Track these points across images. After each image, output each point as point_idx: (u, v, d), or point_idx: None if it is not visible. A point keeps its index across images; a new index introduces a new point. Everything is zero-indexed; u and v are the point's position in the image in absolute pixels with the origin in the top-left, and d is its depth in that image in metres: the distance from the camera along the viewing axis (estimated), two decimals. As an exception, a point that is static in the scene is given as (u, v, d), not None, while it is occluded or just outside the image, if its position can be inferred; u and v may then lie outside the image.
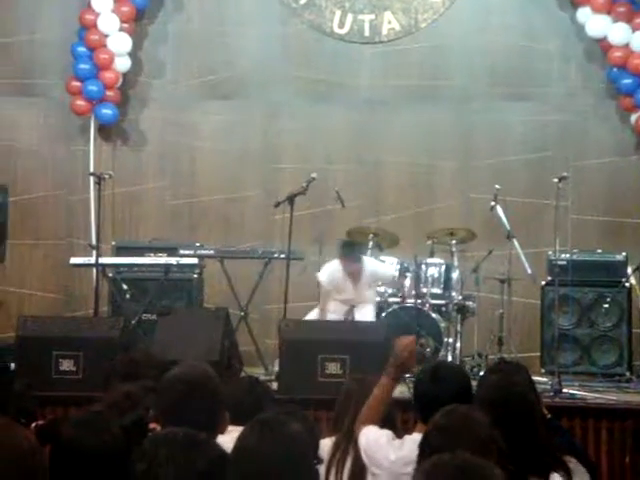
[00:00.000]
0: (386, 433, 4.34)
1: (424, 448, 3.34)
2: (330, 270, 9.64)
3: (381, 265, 9.77)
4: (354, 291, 9.63)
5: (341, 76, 11.43)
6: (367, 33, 11.48)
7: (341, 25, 11.49)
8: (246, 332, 9.86)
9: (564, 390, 8.42)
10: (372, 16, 11.45)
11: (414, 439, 3.60)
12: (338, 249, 9.66)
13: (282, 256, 9.82)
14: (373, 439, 4.32)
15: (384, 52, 11.47)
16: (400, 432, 4.47)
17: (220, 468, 2.54)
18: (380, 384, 4.41)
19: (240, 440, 2.92)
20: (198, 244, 10.41)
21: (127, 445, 2.60)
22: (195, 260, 10.21)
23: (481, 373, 8.22)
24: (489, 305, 10.00)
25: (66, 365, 7.65)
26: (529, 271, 9.36)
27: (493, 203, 9.61)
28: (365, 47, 11.49)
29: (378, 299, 9.69)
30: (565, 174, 9.13)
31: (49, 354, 7.67)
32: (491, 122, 11.24)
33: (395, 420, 4.69)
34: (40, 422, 2.63)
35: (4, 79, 11.51)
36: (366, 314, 9.49)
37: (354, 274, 9.56)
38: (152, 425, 2.72)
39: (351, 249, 9.59)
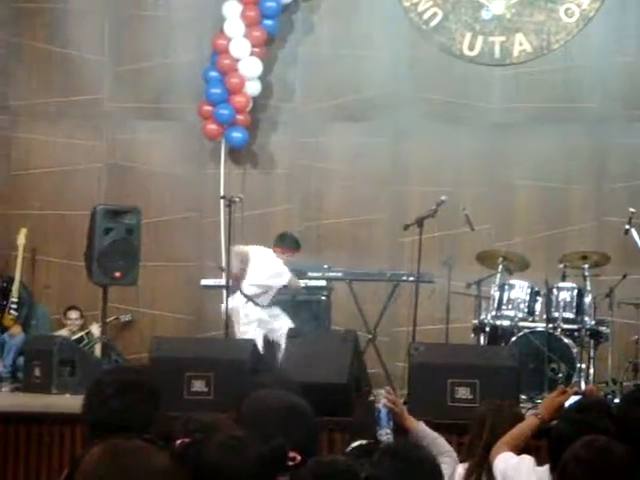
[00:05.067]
0: (528, 458, 4.32)
1: (561, 477, 3.31)
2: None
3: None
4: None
5: (471, 98, 11.36)
6: (497, 55, 11.40)
7: (471, 47, 11.42)
8: (374, 354, 9.84)
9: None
10: (503, 38, 11.36)
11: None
12: (288, 241, 9.94)
13: (411, 279, 9.78)
14: (515, 463, 4.30)
15: (515, 74, 11.36)
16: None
17: None
18: (528, 423, 4.44)
19: (371, 467, 2.90)
20: (326, 266, 10.43)
21: (268, 472, 2.56)
22: (323, 282, 10.24)
23: (616, 400, 8.02)
24: (624, 330, 9.77)
25: (198, 386, 7.70)
26: (665, 296, 9.12)
27: (628, 226, 9.41)
28: (495, 69, 11.40)
29: (507, 323, 9.56)
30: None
31: (181, 375, 7.72)
32: (626, 145, 11.03)
33: (529, 446, 4.61)
34: (184, 440, 2.62)
35: (138, 103, 11.75)
36: None
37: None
38: (292, 454, 2.69)
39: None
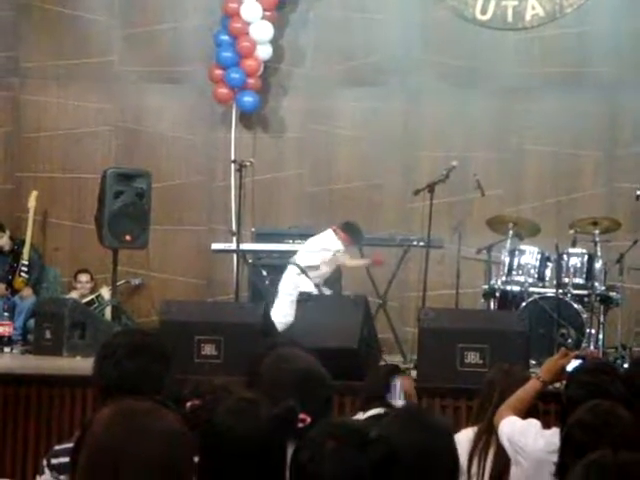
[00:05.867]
0: (535, 422, 4.32)
1: (566, 442, 3.32)
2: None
3: None
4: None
5: (483, 62, 11.30)
6: (510, 19, 11.33)
7: (484, 11, 11.35)
8: (384, 320, 9.85)
9: None
10: (515, 2, 11.29)
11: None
12: (355, 232, 9.78)
13: (421, 244, 9.78)
14: (520, 426, 4.30)
15: (527, 38, 11.29)
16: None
17: (387, 470, 2.46)
18: (531, 385, 4.42)
19: (382, 428, 2.91)
20: (337, 231, 10.40)
21: (279, 434, 2.57)
22: (334, 247, 10.21)
23: (625, 365, 8.03)
24: (634, 296, 9.78)
25: (208, 350, 7.71)
26: (676, 262, 9.10)
27: (639, 192, 9.37)
28: (508, 33, 11.34)
29: (518, 289, 9.55)
30: None
31: (191, 338, 7.73)
32: (638, 109, 10.96)
33: (538, 410, 4.62)
34: (195, 403, 2.62)
35: (149, 67, 11.72)
36: None
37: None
38: (302, 416, 2.69)
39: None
